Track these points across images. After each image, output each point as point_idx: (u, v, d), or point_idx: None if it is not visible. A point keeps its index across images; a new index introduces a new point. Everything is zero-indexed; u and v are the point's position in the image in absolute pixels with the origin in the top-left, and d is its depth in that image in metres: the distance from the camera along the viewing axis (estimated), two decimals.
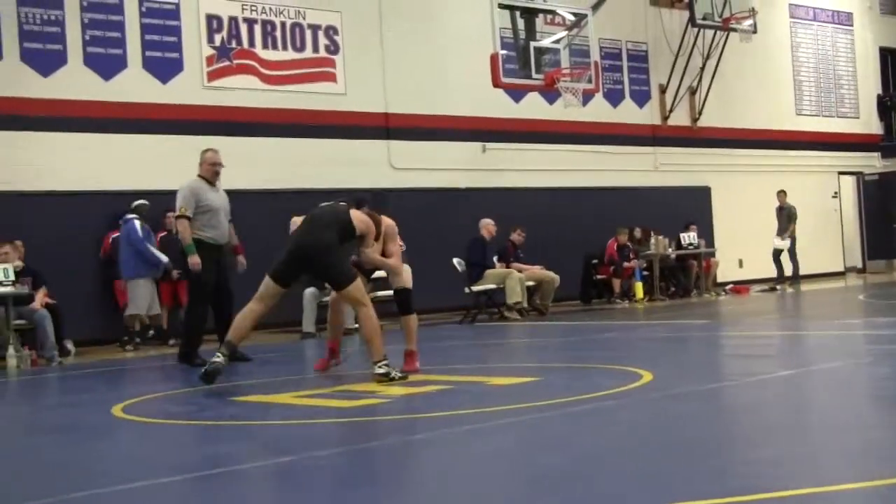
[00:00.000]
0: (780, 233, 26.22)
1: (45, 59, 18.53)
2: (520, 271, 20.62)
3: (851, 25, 32.81)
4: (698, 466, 5.74)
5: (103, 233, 18.45)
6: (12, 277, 15.51)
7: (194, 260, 13.39)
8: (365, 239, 10.70)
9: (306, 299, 18.03)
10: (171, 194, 18.83)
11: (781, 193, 26.28)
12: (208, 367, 10.23)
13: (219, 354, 10.37)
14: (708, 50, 27.39)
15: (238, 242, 14.41)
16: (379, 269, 11.53)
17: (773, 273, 26.32)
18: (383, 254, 11.03)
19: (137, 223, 17.50)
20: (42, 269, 16.55)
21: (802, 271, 26.58)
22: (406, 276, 11.25)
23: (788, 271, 26.13)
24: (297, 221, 11.07)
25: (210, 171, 13.82)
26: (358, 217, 10.60)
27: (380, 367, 9.98)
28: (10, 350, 15.16)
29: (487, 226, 20.75)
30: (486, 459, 6.36)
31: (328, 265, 10.39)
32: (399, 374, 10.10)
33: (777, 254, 26.17)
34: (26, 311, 15.77)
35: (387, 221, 11.08)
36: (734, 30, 26.91)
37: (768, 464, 5.65)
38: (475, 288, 20.03)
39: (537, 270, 21.23)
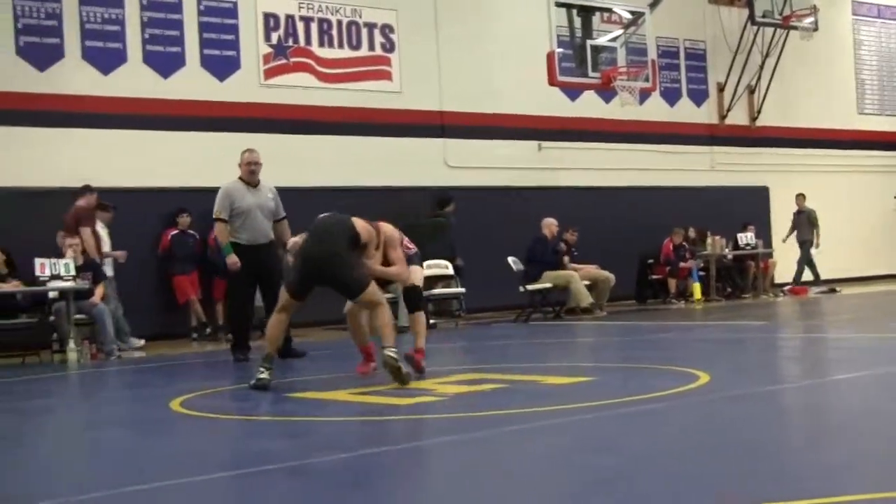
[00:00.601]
0: (801, 237, 25.84)
1: (106, 58, 18.66)
2: (575, 270, 20.56)
3: None
4: (756, 469, 5.68)
5: (160, 229, 18.56)
6: (73, 272, 15.62)
7: (231, 260, 13.59)
8: (367, 248, 10.55)
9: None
10: None
11: (800, 197, 25.99)
12: (256, 382, 10.06)
13: (262, 369, 10.13)
14: (767, 48, 27.18)
15: (288, 239, 14.33)
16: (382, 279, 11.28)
17: (830, 275, 26.12)
18: (386, 262, 10.80)
19: None
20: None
21: (862, 273, 26.34)
22: (415, 273, 11.06)
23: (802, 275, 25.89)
24: (297, 241, 11.06)
25: (247, 171, 13.89)
26: (361, 225, 10.43)
27: (389, 350, 9.80)
28: (71, 344, 15.27)
29: (550, 225, 20.69)
30: (539, 459, 6.33)
31: (342, 275, 10.15)
32: (405, 367, 9.95)
33: (807, 259, 25.80)
34: (86, 306, 15.87)
35: (387, 229, 10.79)
36: (794, 27, 26.70)
37: (828, 468, 5.60)
38: (530, 287, 19.97)
39: (592, 270, 21.14)
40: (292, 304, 10.38)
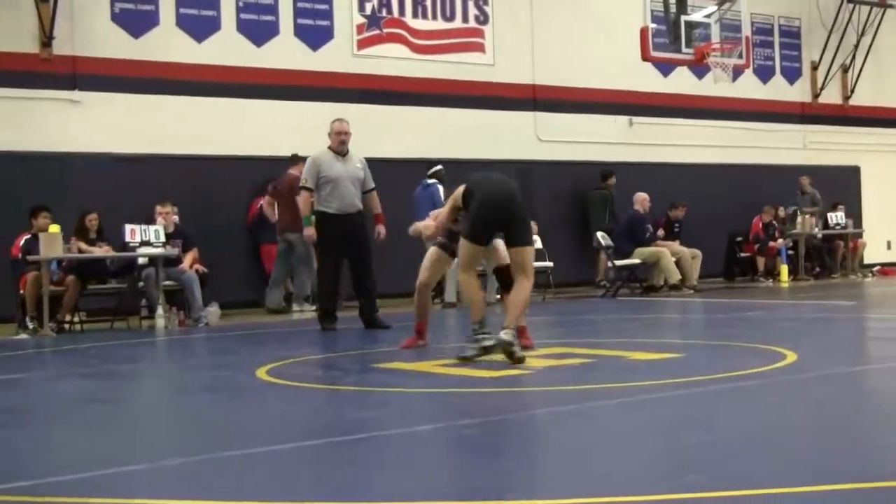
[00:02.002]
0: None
1: (199, 25, 18.83)
2: (665, 247, 20.57)
3: None
4: (843, 450, 5.66)
5: (250, 199, 18.71)
6: (163, 239, 15.80)
7: (308, 231, 13.92)
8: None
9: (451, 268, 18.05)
10: None
11: (805, 178, 25.17)
12: (483, 347, 9.48)
13: (483, 335, 9.52)
14: (863, 27, 26.89)
15: (380, 211, 14.34)
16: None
17: None
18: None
19: (441, 187, 17.58)
20: (192, 232, 16.84)
21: None
22: (502, 252, 10.84)
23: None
24: (420, 226, 10.96)
25: (336, 141, 13.92)
26: None
27: (507, 332, 9.50)
28: (159, 310, 15.46)
29: (643, 200, 20.66)
30: (625, 434, 6.34)
31: (522, 217, 9.91)
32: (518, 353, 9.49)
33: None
34: (175, 273, 16.04)
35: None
36: (891, 6, 26.44)
37: None
38: (618, 262, 19.94)
39: (676, 246, 21.01)
40: (476, 258, 10.13)
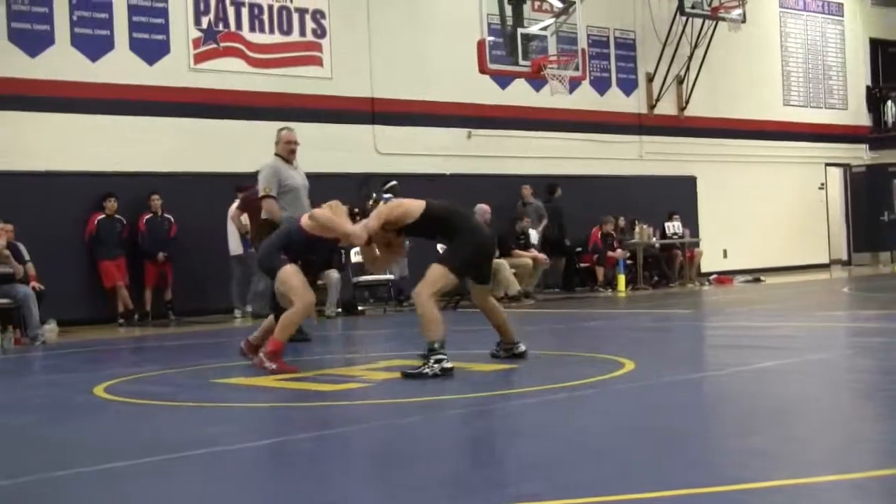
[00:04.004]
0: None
1: (33, 40, 18.48)
2: (520, 257, 20.80)
3: (842, 16, 32.79)
4: (681, 456, 5.75)
5: (87, 214, 18.42)
6: None
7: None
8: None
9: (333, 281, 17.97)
10: (158, 176, 18.99)
11: (526, 188, 24.11)
12: (444, 369, 9.25)
13: (442, 356, 9.33)
14: (696, 39, 27.39)
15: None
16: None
17: (755, 264, 26.43)
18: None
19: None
20: (29, 249, 16.48)
21: (787, 262, 26.68)
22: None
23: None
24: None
25: (286, 150, 13.54)
26: None
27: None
28: None
29: (483, 213, 20.73)
30: (460, 444, 6.38)
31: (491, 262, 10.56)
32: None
33: None
34: (10, 290, 15.71)
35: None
36: (723, 19, 26.94)
37: (751, 454, 5.67)
38: None
39: (528, 256, 21.19)
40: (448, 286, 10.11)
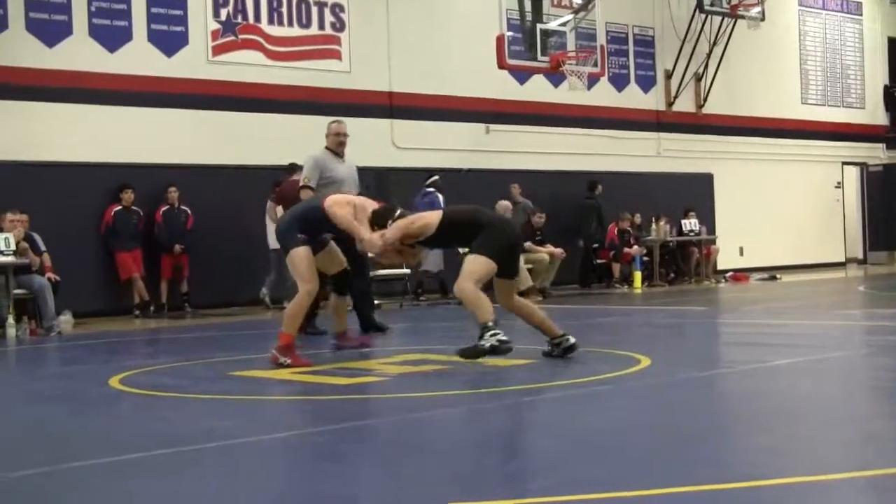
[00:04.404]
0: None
1: (51, 30, 18.49)
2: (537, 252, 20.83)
3: (861, 15, 32.72)
4: (695, 452, 5.74)
5: (104, 205, 18.42)
6: (13, 247, 15.49)
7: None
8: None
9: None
10: (175, 168, 18.99)
11: (515, 187, 23.37)
12: (502, 345, 9.48)
13: (496, 332, 9.52)
14: (715, 36, 27.34)
15: None
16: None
17: (771, 262, 26.39)
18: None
19: (440, 196, 18.67)
20: (45, 240, 16.52)
21: (803, 261, 26.63)
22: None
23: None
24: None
25: (335, 142, 13.53)
26: None
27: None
28: (10, 319, 15.15)
29: (506, 209, 20.70)
30: (475, 440, 6.36)
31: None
32: None
33: None
34: (26, 281, 15.75)
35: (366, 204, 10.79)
36: (742, 17, 26.89)
37: (764, 451, 5.65)
38: None
39: (545, 251, 21.19)
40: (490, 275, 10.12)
